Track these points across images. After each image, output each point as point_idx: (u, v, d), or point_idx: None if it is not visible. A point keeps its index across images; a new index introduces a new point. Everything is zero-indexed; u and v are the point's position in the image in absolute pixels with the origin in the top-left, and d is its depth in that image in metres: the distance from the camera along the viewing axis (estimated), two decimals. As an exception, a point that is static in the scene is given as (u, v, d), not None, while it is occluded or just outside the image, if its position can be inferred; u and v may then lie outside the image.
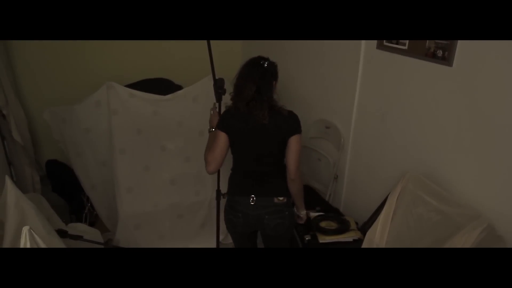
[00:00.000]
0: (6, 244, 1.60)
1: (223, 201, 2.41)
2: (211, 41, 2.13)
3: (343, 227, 2.36)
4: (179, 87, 3.26)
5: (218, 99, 2.17)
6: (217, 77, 2.20)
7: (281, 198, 2.00)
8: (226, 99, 2.10)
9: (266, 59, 1.94)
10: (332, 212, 2.62)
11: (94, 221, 3.07)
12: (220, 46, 2.80)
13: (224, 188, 2.21)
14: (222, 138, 1.93)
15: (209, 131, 2.11)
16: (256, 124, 1.88)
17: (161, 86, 3.28)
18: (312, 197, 3.01)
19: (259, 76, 1.87)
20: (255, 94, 1.85)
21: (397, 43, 2.15)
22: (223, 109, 2.07)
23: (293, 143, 1.92)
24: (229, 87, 2.11)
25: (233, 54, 3.82)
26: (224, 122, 1.94)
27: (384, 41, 2.24)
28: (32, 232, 1.38)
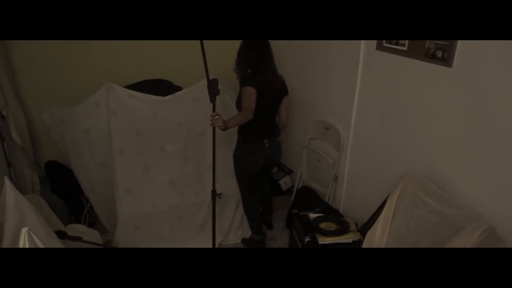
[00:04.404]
0: (5, 245, 1.59)
1: (218, 201, 2.42)
2: (210, 42, 2.12)
3: (343, 228, 2.35)
4: (178, 88, 3.25)
5: (212, 99, 2.19)
6: (212, 78, 2.20)
7: (279, 137, 2.74)
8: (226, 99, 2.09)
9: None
10: (331, 213, 2.62)
11: (93, 222, 3.06)
12: (219, 46, 2.80)
13: (221, 187, 2.21)
14: (253, 91, 2.41)
15: (226, 128, 2.27)
16: (273, 86, 2.52)
17: (161, 87, 3.28)
18: (312, 198, 3.01)
19: (268, 49, 2.51)
20: (267, 63, 2.49)
21: (396, 44, 2.15)
22: (222, 108, 2.09)
23: (286, 101, 2.70)
24: (226, 88, 2.12)
25: (232, 54, 3.82)
26: (253, 81, 2.44)
27: (384, 42, 2.23)
28: (31, 233, 1.38)
